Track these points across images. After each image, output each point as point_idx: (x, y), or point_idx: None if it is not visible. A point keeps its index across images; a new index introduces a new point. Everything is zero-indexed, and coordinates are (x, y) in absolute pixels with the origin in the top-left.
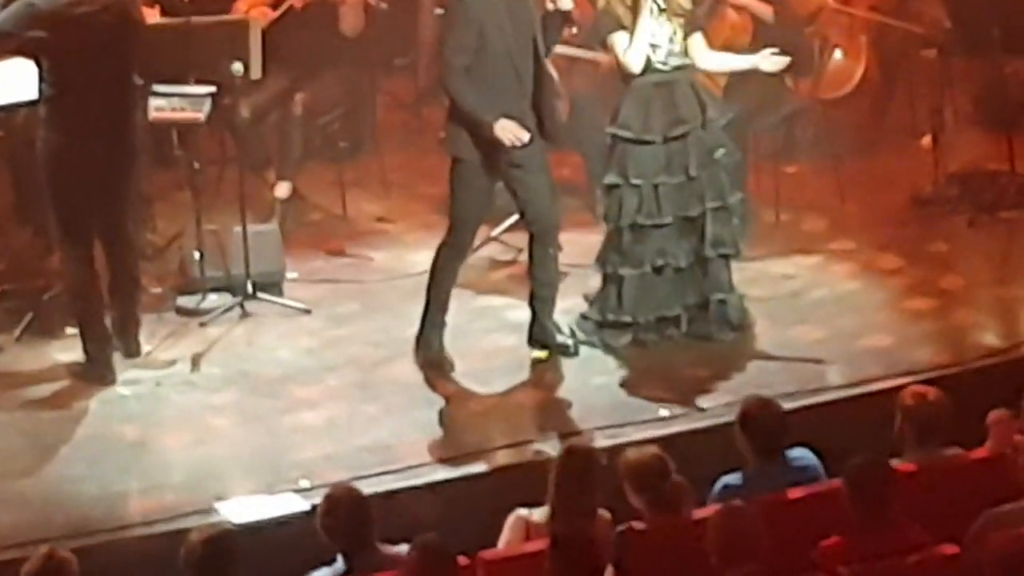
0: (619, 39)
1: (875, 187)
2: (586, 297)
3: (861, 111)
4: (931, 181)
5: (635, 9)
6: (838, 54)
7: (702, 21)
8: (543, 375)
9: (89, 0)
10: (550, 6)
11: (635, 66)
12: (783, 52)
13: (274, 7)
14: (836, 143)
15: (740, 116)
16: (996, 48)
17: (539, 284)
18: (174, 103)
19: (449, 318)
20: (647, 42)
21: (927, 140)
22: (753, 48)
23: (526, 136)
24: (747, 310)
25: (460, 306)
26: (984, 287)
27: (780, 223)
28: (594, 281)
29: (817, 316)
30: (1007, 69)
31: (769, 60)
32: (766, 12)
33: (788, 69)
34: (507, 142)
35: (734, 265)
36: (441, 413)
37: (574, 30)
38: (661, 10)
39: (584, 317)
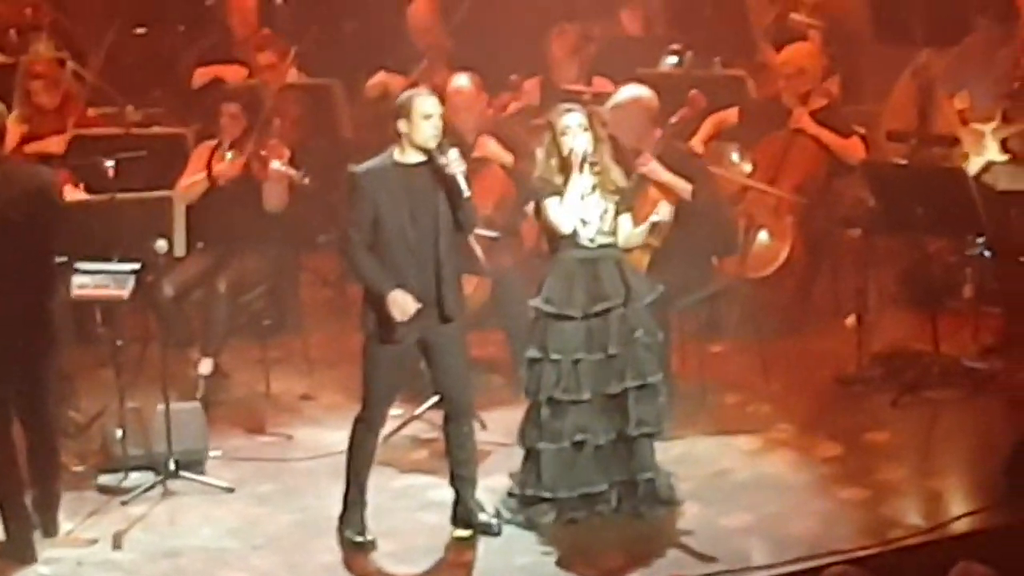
0: (551, 201)
1: (799, 367)
2: (512, 475)
3: (786, 290)
4: (855, 361)
5: (564, 173)
6: (763, 234)
7: (631, 199)
8: (464, 555)
9: (3, 184)
10: (441, 165)
11: (565, 226)
12: (708, 230)
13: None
14: (761, 322)
15: (664, 294)
16: (919, 227)
17: (457, 463)
18: (97, 280)
19: (371, 497)
20: (578, 204)
21: (851, 320)
22: (676, 226)
23: (412, 309)
24: (674, 487)
25: (382, 485)
26: (908, 467)
27: (704, 402)
28: (520, 458)
29: (741, 497)
30: (930, 248)
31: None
32: (685, 189)
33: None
34: (395, 315)
35: (659, 445)
36: None
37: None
38: (594, 187)
39: (510, 494)
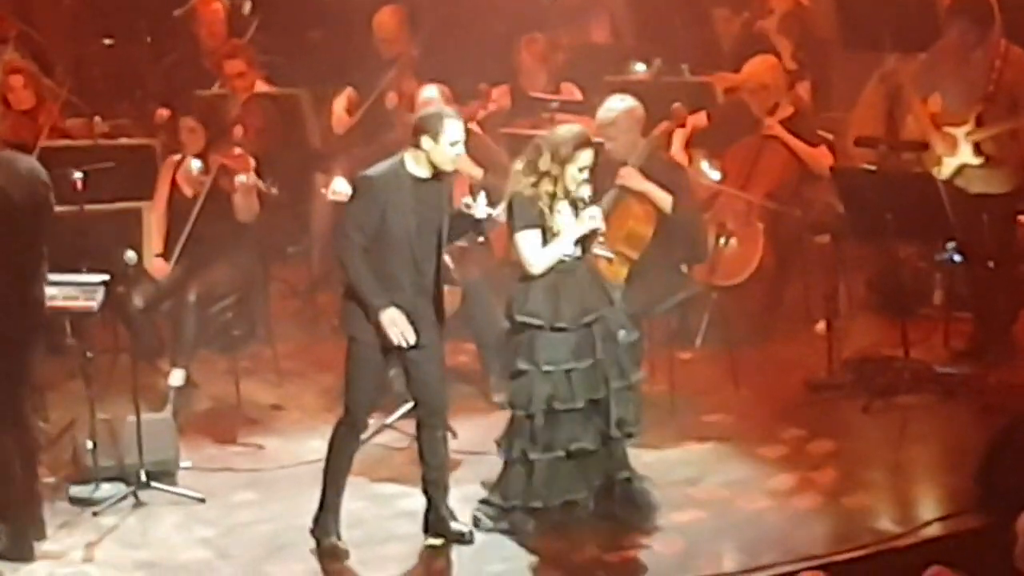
0: (528, 238)
1: (770, 373)
2: (484, 484)
3: (756, 297)
4: (825, 367)
5: (545, 207)
6: (733, 241)
7: (607, 210)
8: (437, 563)
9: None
10: (464, 208)
11: (538, 268)
12: (681, 239)
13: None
14: (731, 329)
15: (638, 303)
16: (889, 233)
17: (430, 468)
18: (67, 292)
19: (344, 505)
20: (560, 252)
21: (821, 326)
22: (655, 238)
23: (412, 336)
24: (650, 491)
25: (354, 493)
26: (879, 473)
27: (674, 410)
28: (491, 467)
29: (710, 501)
30: (900, 254)
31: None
32: (665, 201)
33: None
34: (392, 337)
35: (630, 452)
36: None
37: (480, 239)
38: (550, 205)
39: (487, 503)
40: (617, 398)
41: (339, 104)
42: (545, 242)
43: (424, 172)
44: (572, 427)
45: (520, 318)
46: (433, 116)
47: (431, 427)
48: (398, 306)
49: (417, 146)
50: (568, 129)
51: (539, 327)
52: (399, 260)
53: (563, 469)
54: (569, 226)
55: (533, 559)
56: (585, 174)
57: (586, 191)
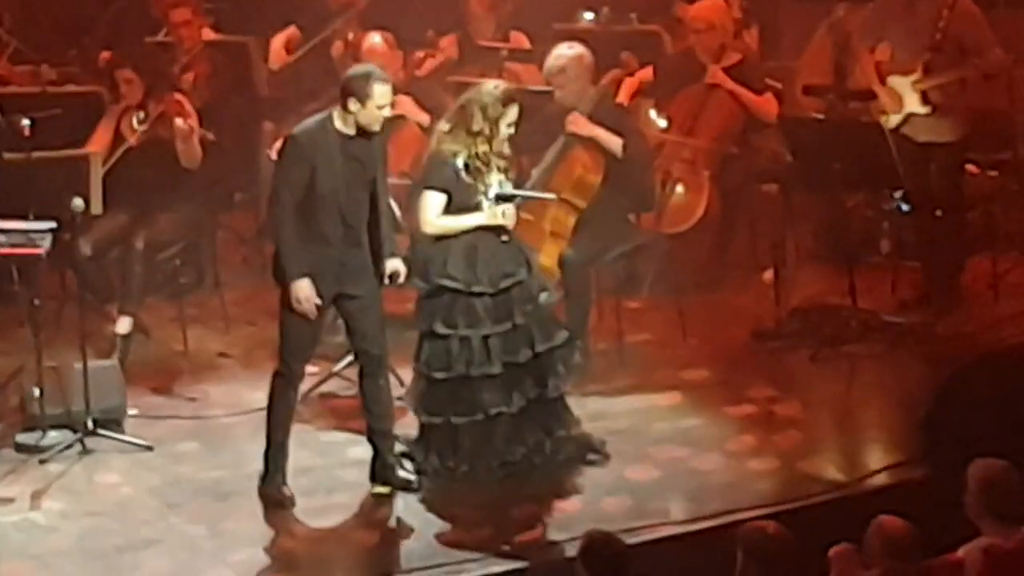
0: (430, 199)
1: (717, 322)
2: (402, 439)
3: (702, 246)
4: (773, 316)
5: (481, 166)
6: (680, 189)
7: (555, 159)
8: (382, 511)
9: None
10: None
11: (429, 231)
12: (629, 187)
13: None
14: (678, 278)
15: (587, 252)
16: (837, 183)
17: (373, 417)
18: (13, 239)
19: (292, 454)
20: (459, 226)
21: (768, 275)
22: (604, 186)
23: (312, 308)
24: (598, 444)
25: (301, 442)
26: (827, 422)
27: (622, 358)
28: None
29: (658, 451)
30: (848, 203)
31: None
32: (616, 145)
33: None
34: (296, 303)
35: (575, 400)
36: (280, 551)
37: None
38: (486, 164)
39: (409, 458)
40: (549, 360)
41: (278, 40)
42: (472, 204)
43: (352, 130)
44: (492, 391)
45: (438, 281)
46: (360, 78)
47: (372, 376)
48: (327, 259)
49: (345, 107)
50: (494, 86)
51: (457, 291)
52: (327, 216)
53: (496, 431)
54: (478, 213)
55: (467, 510)
56: (511, 129)
57: (506, 147)
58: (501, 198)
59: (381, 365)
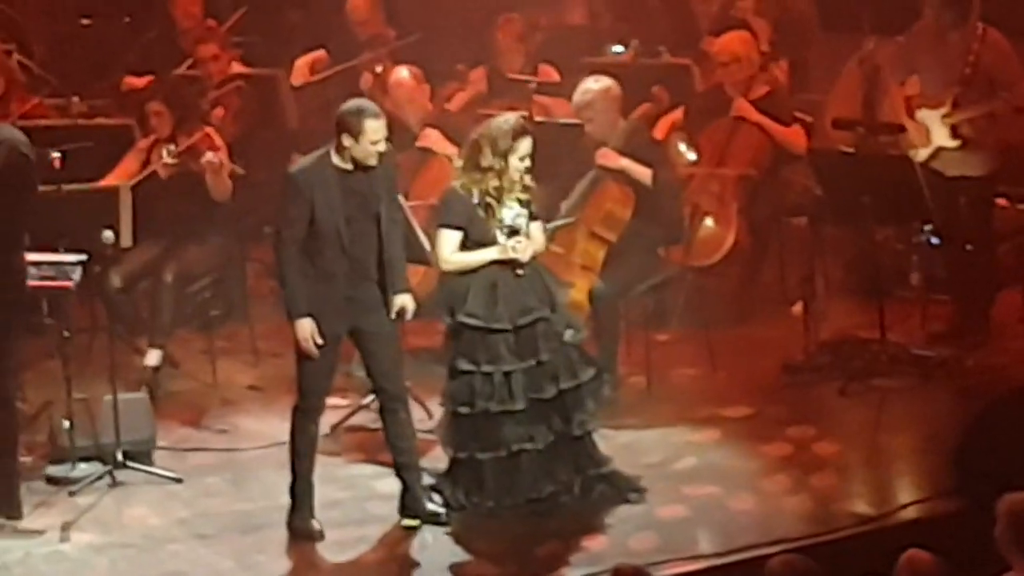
0: (446, 236)
1: (746, 355)
2: (430, 472)
3: (732, 278)
4: (802, 349)
5: (492, 201)
6: (708, 221)
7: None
8: (411, 544)
9: None
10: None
11: (447, 268)
12: (659, 220)
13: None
14: (707, 311)
15: (616, 286)
16: (867, 216)
17: (397, 451)
18: (43, 271)
19: (319, 487)
20: (475, 261)
21: (798, 308)
22: (633, 220)
23: (313, 348)
24: (634, 480)
25: (329, 475)
26: (855, 455)
27: (651, 391)
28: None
29: (687, 485)
30: (878, 237)
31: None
32: (645, 176)
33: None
34: (299, 341)
35: (606, 433)
36: None
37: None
38: (498, 199)
39: (438, 492)
40: (573, 397)
41: (303, 60)
42: (489, 239)
43: (349, 165)
44: (516, 427)
45: (460, 318)
46: (352, 114)
47: (392, 411)
48: (333, 295)
49: (339, 143)
50: (504, 120)
51: (477, 328)
52: (330, 251)
53: (516, 470)
54: (491, 248)
55: (498, 546)
56: (527, 162)
57: (528, 178)
58: (512, 232)
59: (399, 400)
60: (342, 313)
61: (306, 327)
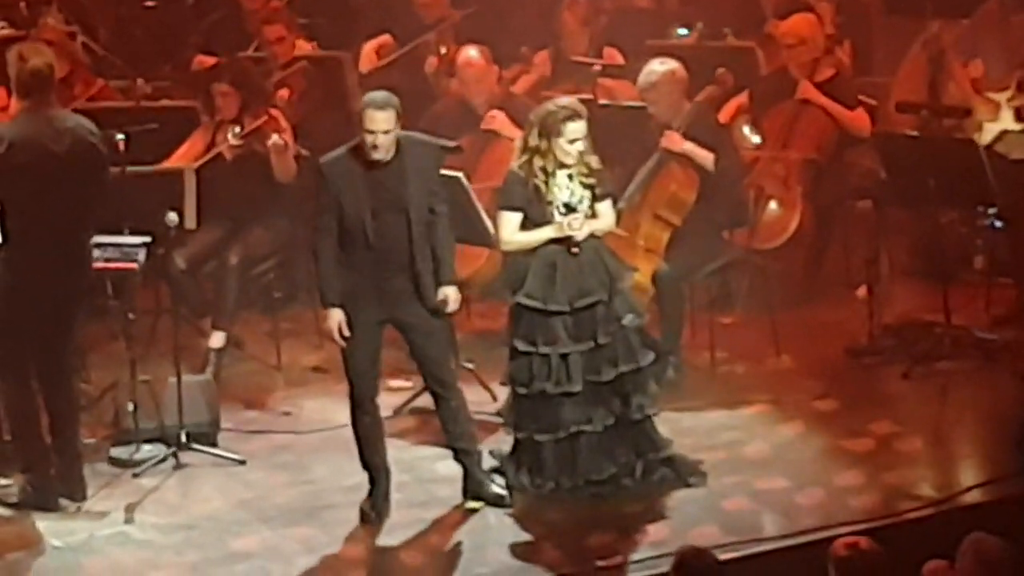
0: (506, 218)
1: (810, 338)
2: (492, 453)
3: (796, 261)
4: (866, 332)
5: (540, 182)
6: (773, 205)
7: (650, 175)
8: (470, 526)
9: (51, 138)
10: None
11: (506, 248)
12: (723, 203)
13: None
14: (771, 294)
15: (681, 268)
16: (931, 199)
17: (454, 438)
18: (108, 253)
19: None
20: (534, 240)
21: (862, 291)
22: (698, 203)
23: (338, 337)
24: (695, 464)
25: (392, 457)
26: (919, 438)
27: (715, 374)
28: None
29: (751, 468)
30: (942, 220)
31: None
32: (708, 160)
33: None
34: (326, 328)
35: (669, 416)
36: (372, 565)
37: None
38: (570, 176)
39: (499, 471)
40: (633, 381)
41: (370, 44)
42: (545, 218)
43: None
44: (574, 409)
45: (518, 299)
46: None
47: (443, 399)
48: (362, 286)
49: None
50: (556, 103)
51: (535, 309)
52: (356, 244)
53: (579, 449)
54: (548, 227)
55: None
56: (578, 145)
57: (594, 160)
58: (569, 210)
59: (449, 388)
60: (375, 303)
61: (332, 316)
